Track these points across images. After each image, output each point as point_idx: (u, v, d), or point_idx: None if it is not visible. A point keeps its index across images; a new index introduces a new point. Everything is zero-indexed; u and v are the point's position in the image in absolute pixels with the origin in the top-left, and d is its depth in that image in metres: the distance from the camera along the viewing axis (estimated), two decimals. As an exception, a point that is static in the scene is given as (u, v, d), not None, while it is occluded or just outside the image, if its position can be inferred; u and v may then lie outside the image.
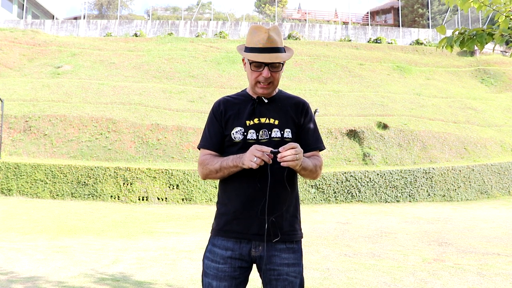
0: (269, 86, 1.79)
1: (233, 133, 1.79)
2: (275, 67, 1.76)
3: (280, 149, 1.61)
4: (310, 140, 1.86)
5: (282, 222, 1.76)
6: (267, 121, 1.82)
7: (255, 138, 1.79)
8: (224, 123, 1.82)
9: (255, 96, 1.85)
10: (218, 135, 1.83)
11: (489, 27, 3.02)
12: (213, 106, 1.89)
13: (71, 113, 16.18)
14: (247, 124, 1.80)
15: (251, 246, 1.75)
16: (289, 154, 1.59)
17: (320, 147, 1.89)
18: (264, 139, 1.79)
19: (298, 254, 1.80)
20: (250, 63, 1.77)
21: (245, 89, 1.93)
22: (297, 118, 1.85)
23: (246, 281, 1.79)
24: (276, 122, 1.82)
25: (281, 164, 1.61)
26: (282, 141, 1.79)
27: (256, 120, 1.81)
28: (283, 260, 1.75)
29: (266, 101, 1.84)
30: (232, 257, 1.74)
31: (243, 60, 1.85)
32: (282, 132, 1.81)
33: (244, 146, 1.76)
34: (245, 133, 1.79)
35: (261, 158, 1.58)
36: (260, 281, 1.81)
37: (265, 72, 1.74)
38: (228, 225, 1.77)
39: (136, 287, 4.28)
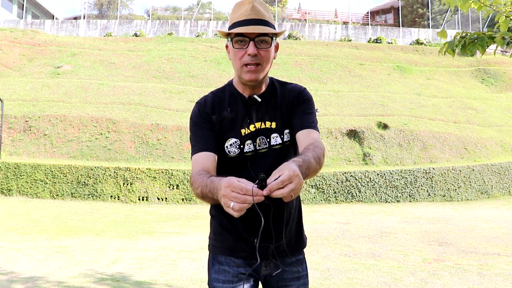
0: (257, 68, 1.45)
1: (227, 146, 1.50)
2: (261, 43, 1.44)
3: (269, 181, 1.12)
4: (303, 124, 1.52)
5: (290, 237, 1.60)
6: (263, 125, 1.53)
7: (253, 149, 1.51)
8: (218, 128, 1.51)
9: (245, 94, 1.54)
10: (212, 133, 1.50)
11: (490, 30, 3.01)
12: (196, 107, 1.56)
13: (71, 113, 16.18)
14: (243, 134, 1.51)
15: (262, 265, 1.56)
16: (280, 193, 1.10)
17: (314, 127, 1.54)
18: (263, 148, 1.52)
19: (304, 264, 1.66)
20: (232, 40, 1.46)
21: (230, 81, 1.61)
22: (295, 106, 1.57)
23: None
24: (274, 125, 1.54)
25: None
26: (284, 148, 1.54)
27: (252, 127, 1.52)
28: (293, 274, 1.61)
29: (259, 100, 1.53)
30: (244, 273, 1.55)
31: (226, 47, 1.53)
32: (282, 136, 1.54)
33: (241, 160, 1.50)
34: (242, 146, 1.51)
35: (240, 203, 1.10)
36: None
37: (251, 49, 1.42)
38: (236, 243, 1.55)
39: (136, 287, 4.27)
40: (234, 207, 1.10)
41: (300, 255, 1.64)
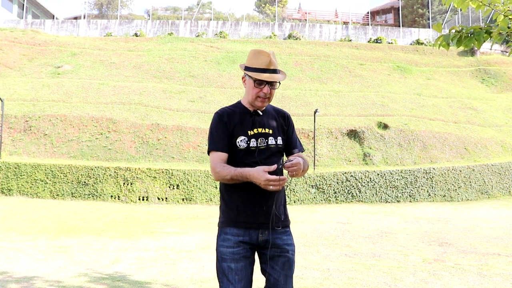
0: (266, 100, 2.19)
1: (238, 142, 2.17)
2: (273, 85, 2.16)
3: (287, 163, 2.05)
4: (297, 145, 2.36)
5: (281, 212, 2.22)
6: (263, 130, 2.22)
7: (256, 145, 2.18)
8: (231, 132, 2.17)
9: (251, 109, 2.22)
10: (226, 138, 2.16)
11: (487, 25, 3.01)
12: (216, 115, 2.22)
13: (71, 113, 16.18)
14: (249, 134, 2.18)
15: (259, 232, 2.14)
16: (290, 169, 2.05)
17: (303, 150, 2.42)
18: (262, 146, 2.19)
19: (291, 236, 2.27)
20: (254, 81, 2.15)
21: (239, 101, 2.29)
22: (286, 126, 2.31)
23: (254, 260, 2.20)
24: (270, 132, 2.24)
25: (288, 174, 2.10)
26: (277, 147, 2.23)
27: (255, 130, 2.20)
28: (284, 241, 2.19)
29: (261, 113, 2.24)
30: (244, 241, 2.13)
31: (243, 78, 2.24)
32: (276, 140, 2.24)
33: (247, 152, 2.17)
34: (248, 142, 2.18)
35: (275, 185, 1.97)
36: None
37: (266, 89, 2.15)
38: (238, 216, 2.15)
39: (136, 287, 4.27)
40: (272, 189, 1.99)
41: (287, 228, 2.27)
